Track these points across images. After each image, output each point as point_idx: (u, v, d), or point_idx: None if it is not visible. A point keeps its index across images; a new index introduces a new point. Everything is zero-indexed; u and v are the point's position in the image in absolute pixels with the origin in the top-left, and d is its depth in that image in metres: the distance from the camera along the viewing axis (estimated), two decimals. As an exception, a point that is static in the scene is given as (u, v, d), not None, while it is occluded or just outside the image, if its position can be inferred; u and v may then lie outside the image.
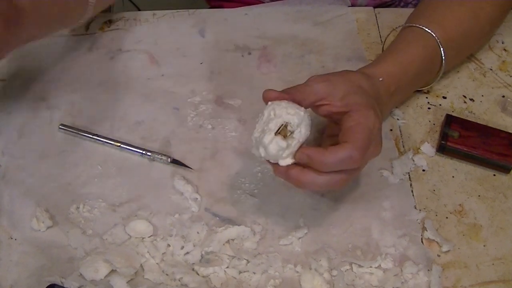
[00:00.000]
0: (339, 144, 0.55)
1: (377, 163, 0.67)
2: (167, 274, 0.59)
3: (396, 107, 0.73)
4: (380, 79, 0.64)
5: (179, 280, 0.59)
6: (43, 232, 0.62)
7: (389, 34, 0.77)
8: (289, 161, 0.55)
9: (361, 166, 0.57)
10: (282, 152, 0.55)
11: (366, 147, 0.55)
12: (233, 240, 0.62)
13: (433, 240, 0.62)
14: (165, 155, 0.68)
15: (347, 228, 0.64)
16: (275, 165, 0.56)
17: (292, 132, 0.55)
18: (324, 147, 0.55)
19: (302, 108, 0.56)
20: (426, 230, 0.63)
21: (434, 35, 0.68)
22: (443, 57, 0.69)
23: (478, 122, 0.70)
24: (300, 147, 0.55)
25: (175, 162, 0.67)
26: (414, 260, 0.61)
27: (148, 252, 0.61)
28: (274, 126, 0.55)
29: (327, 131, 0.65)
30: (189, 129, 0.71)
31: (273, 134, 0.54)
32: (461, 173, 0.68)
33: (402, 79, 0.66)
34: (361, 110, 0.57)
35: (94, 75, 0.76)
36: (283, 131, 0.55)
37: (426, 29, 0.68)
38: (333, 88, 0.58)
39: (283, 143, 0.54)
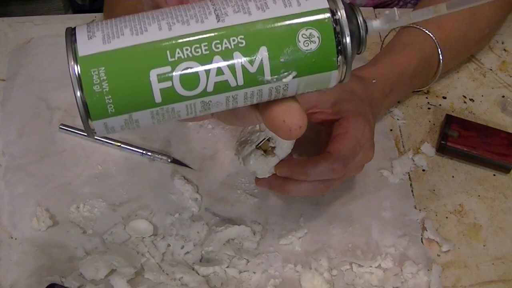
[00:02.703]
0: (322, 154, 0.55)
1: (377, 163, 0.67)
2: (167, 274, 0.59)
3: (396, 107, 0.73)
4: (374, 81, 0.64)
5: (179, 280, 0.59)
6: (43, 232, 0.62)
7: (387, 34, 0.77)
8: (267, 174, 0.56)
9: (348, 172, 0.57)
10: (260, 165, 0.55)
11: (350, 157, 0.55)
12: (233, 239, 0.62)
13: (433, 240, 0.63)
14: (165, 155, 0.68)
15: (347, 228, 0.64)
16: (256, 177, 0.57)
17: (273, 148, 0.55)
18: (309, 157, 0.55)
19: None
20: (426, 230, 0.63)
21: (432, 36, 0.68)
22: (441, 59, 0.69)
23: (478, 122, 0.70)
24: (280, 161, 0.55)
25: (175, 162, 0.67)
26: (414, 260, 0.61)
27: (148, 251, 0.61)
28: (256, 138, 0.55)
29: (323, 139, 0.65)
30: (189, 129, 0.71)
31: (254, 146, 0.55)
32: (461, 173, 0.68)
33: (397, 80, 0.66)
34: (350, 118, 0.57)
35: (94, 75, 0.76)
36: (264, 145, 0.55)
37: (424, 30, 0.68)
38: (324, 95, 0.58)
39: (261, 158, 0.54)
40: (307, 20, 0.35)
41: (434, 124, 0.72)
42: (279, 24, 0.35)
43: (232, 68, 0.35)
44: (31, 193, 0.65)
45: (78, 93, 0.35)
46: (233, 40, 0.35)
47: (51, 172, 0.67)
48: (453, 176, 0.68)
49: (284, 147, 0.55)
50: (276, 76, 0.36)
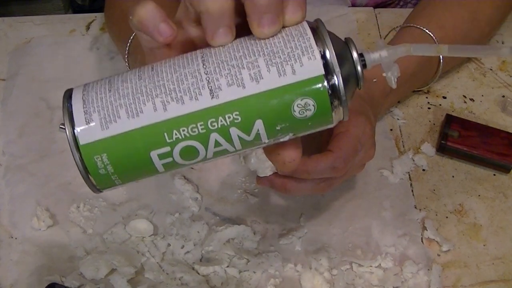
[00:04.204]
0: (323, 152, 0.55)
1: (377, 162, 0.67)
2: (167, 273, 0.59)
3: (396, 107, 0.73)
4: (374, 80, 0.64)
5: (179, 279, 0.59)
6: (44, 231, 0.62)
7: (387, 34, 0.77)
8: (268, 172, 0.56)
9: (349, 171, 0.57)
10: (262, 164, 0.55)
11: (351, 155, 0.55)
12: (233, 239, 0.62)
13: (433, 239, 0.63)
14: (165, 154, 0.68)
15: (347, 228, 0.64)
16: (257, 176, 0.57)
17: None
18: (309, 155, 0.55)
19: None
20: (426, 230, 0.63)
21: (433, 36, 0.68)
22: (441, 58, 0.69)
23: (478, 122, 0.70)
24: None
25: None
26: (414, 259, 0.61)
27: (148, 251, 0.61)
28: None
29: (324, 138, 0.65)
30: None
31: None
32: (461, 173, 0.68)
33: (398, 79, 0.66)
34: (351, 117, 0.56)
35: (94, 75, 0.76)
36: None
37: (425, 30, 0.68)
38: None
39: (263, 156, 0.54)
40: (302, 91, 0.35)
41: (434, 124, 0.72)
42: (273, 97, 0.35)
43: (229, 140, 0.36)
44: (31, 193, 0.65)
45: (85, 174, 0.37)
46: (229, 117, 0.35)
47: (51, 171, 0.67)
48: (453, 176, 0.68)
49: None
50: (273, 139, 0.37)
